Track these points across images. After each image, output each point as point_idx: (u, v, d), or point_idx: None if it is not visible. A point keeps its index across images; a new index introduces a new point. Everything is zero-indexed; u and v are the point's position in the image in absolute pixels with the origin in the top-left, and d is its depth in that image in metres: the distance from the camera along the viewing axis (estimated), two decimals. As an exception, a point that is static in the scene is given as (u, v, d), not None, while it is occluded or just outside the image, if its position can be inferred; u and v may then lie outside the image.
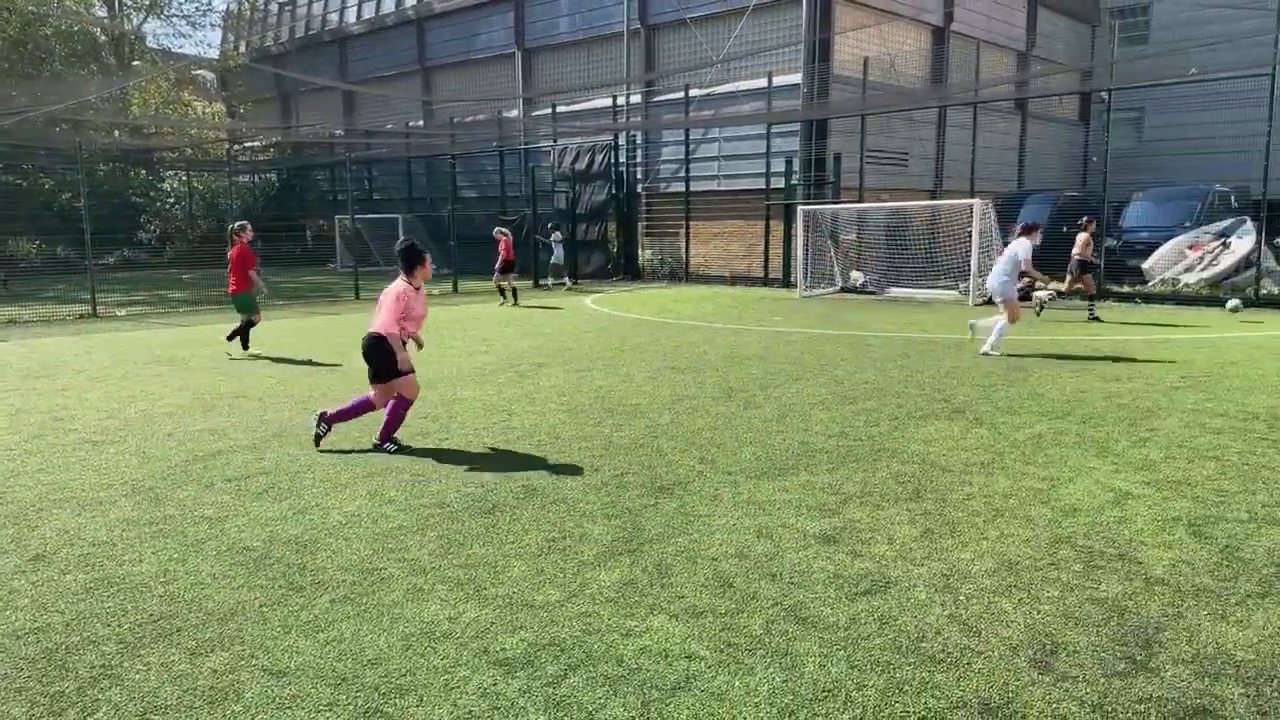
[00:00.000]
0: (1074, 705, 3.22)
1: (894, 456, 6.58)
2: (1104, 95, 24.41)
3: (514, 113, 32.91)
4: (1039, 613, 3.97)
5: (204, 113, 44.52)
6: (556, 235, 25.84)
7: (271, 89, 42.80)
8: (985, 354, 11.39)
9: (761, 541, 4.88)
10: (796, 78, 24.78)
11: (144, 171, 39.19)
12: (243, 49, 43.32)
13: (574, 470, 6.32)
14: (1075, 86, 32.50)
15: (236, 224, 12.42)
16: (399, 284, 7.03)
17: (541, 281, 25.83)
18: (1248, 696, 3.26)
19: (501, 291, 20.63)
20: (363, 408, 7.16)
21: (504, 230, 20.93)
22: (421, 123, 36.47)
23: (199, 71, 45.05)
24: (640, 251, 28.81)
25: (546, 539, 4.96)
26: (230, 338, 12.50)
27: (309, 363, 11.64)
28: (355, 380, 10.02)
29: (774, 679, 3.43)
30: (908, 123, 26.55)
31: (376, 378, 7.03)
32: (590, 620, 3.95)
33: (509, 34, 32.48)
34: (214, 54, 46.43)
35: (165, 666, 3.61)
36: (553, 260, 25.76)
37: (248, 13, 45.36)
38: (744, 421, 7.81)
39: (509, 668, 3.55)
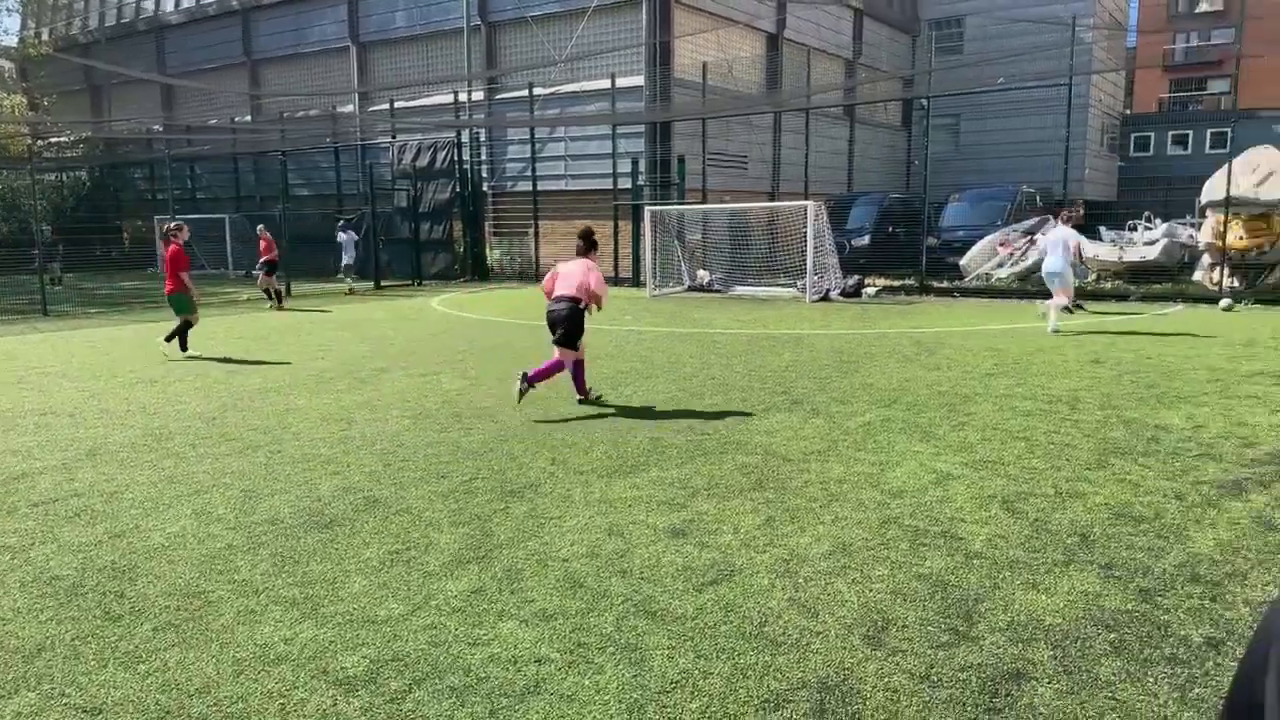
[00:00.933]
0: (904, 678, 3.41)
1: (739, 449, 6.77)
2: (924, 102, 26.02)
3: (349, 108, 31.78)
4: (871, 591, 4.18)
5: (2, 105, 40.55)
6: (348, 235, 23.68)
7: (80, 80, 39.52)
8: (1055, 331, 13.11)
9: (612, 539, 4.91)
10: (639, 80, 25.12)
11: (-72, 168, 35.37)
12: (45, 37, 39.76)
13: (419, 478, 6.16)
14: (898, 94, 34.47)
15: (172, 225, 12.54)
16: (588, 260, 8.37)
17: (350, 283, 23.70)
18: (1055, 658, 3.54)
19: (268, 294, 19.40)
20: (555, 368, 8.33)
21: (265, 228, 19.85)
22: (249, 118, 34.61)
23: (-8, 60, 41.05)
24: (488, 251, 28.44)
25: (389, 551, 4.81)
26: (169, 339, 12.20)
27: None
28: (176, 394, 9.42)
29: (623, 675, 3.46)
30: (746, 127, 27.42)
31: (563, 341, 8.22)
32: (436, 632, 3.86)
33: (342, 27, 31.33)
34: (12, 42, 42.42)
35: (-43, 715, 3.26)
36: (344, 262, 23.72)
37: (49, -2, 41.71)
38: (595, 421, 7.84)
39: (349, 687, 3.41)
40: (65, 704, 3.31)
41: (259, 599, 4.22)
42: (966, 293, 20.04)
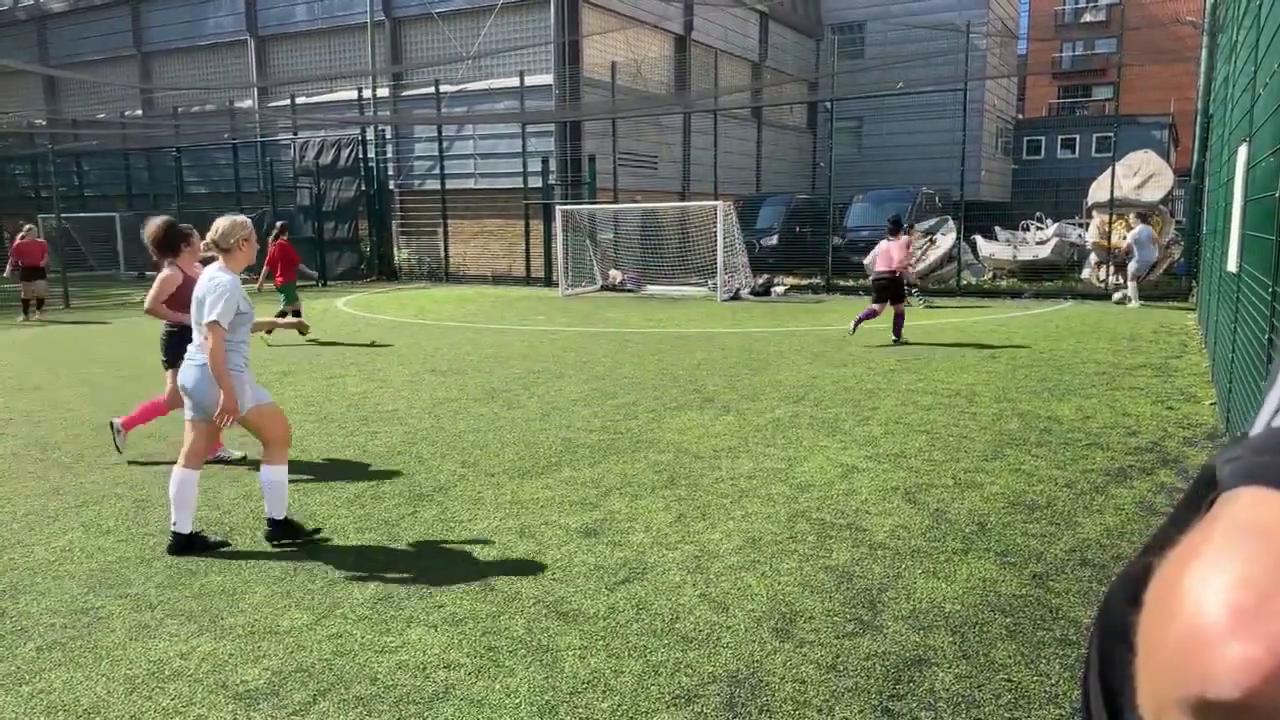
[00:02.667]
0: (811, 668, 3.48)
1: (651, 447, 6.81)
2: (828, 105, 26.64)
3: (248, 103, 30.72)
4: (779, 584, 4.26)
5: None
6: None
7: (-50, 69, 37.14)
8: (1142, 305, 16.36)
9: (524, 541, 4.88)
10: (549, 79, 24.99)
11: None
12: (-90, 21, 37.22)
13: (323, 485, 6.00)
14: (803, 96, 35.20)
15: (280, 224, 14.11)
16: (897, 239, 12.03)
17: None
18: (955, 644, 3.67)
19: (25, 306, 16.90)
20: (870, 316, 12.09)
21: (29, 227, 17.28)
22: (140, 112, 33.09)
23: None
24: (396, 251, 27.87)
25: (292, 560, 4.66)
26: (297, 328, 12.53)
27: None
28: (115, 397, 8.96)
29: (534, 678, 3.43)
30: (656, 127, 27.59)
31: (884, 299, 11.99)
32: (341, 641, 3.76)
33: (239, 19, 30.25)
34: None
35: None
36: None
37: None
38: (507, 421, 7.77)
39: (250, 700, 3.30)
40: (-63, 733, 3.11)
41: (154, 613, 4.04)
42: (870, 291, 20.55)
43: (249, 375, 4.81)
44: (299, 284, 14.17)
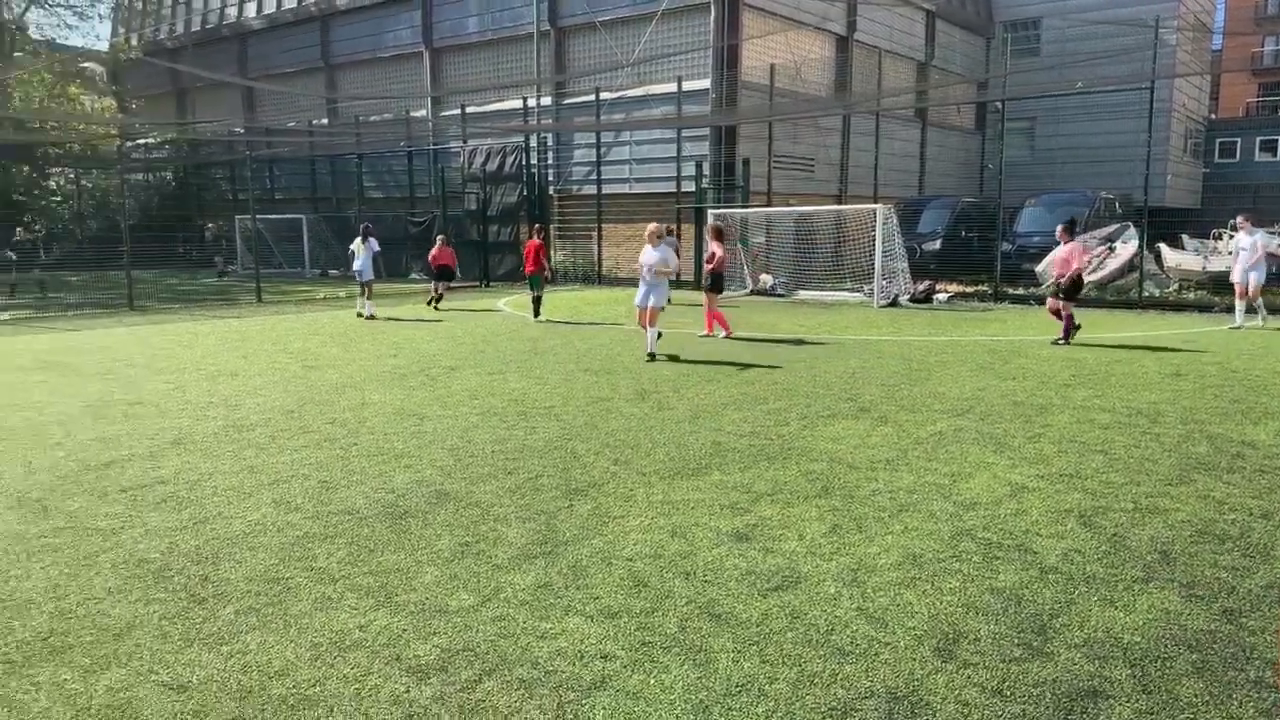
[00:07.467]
0: (975, 691, 3.35)
1: (804, 455, 6.72)
2: (998, 105, 25.49)
3: (422, 112, 32.40)
4: (942, 603, 4.12)
5: (93, 107, 42.33)
6: (369, 244, 17.99)
7: (167, 84, 41.09)
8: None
9: (675, 541, 4.93)
10: (706, 83, 25.10)
11: (27, 168, 37.06)
12: (134, 42, 41.41)
13: (488, 474, 6.26)
14: (972, 96, 33.83)
15: (536, 225, 18.73)
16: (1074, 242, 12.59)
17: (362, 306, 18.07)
18: (1134, 677, 3.45)
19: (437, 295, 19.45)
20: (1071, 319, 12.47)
21: (445, 238, 20.45)
22: (326, 121, 35.54)
23: (87, 65, 42.84)
24: (552, 253, 28.70)
25: (459, 543, 4.90)
26: (535, 314, 16.80)
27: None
28: (282, 386, 9.73)
29: (688, 676, 3.47)
30: (814, 129, 27.20)
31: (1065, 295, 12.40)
32: (505, 624, 3.92)
33: (416, 32, 31.99)
34: (103, 47, 44.26)
35: (56, 685, 3.43)
36: (357, 271, 18.01)
37: (139, 4, 43.41)
38: (657, 422, 7.87)
39: (422, 674, 3.50)
40: (154, 681, 3.46)
41: (335, 587, 4.34)
42: (1043, 300, 19.52)
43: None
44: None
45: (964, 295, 20.49)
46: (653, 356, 11.46)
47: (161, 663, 3.60)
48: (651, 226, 11.86)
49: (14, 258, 24.90)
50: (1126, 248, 19.92)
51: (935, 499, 5.64)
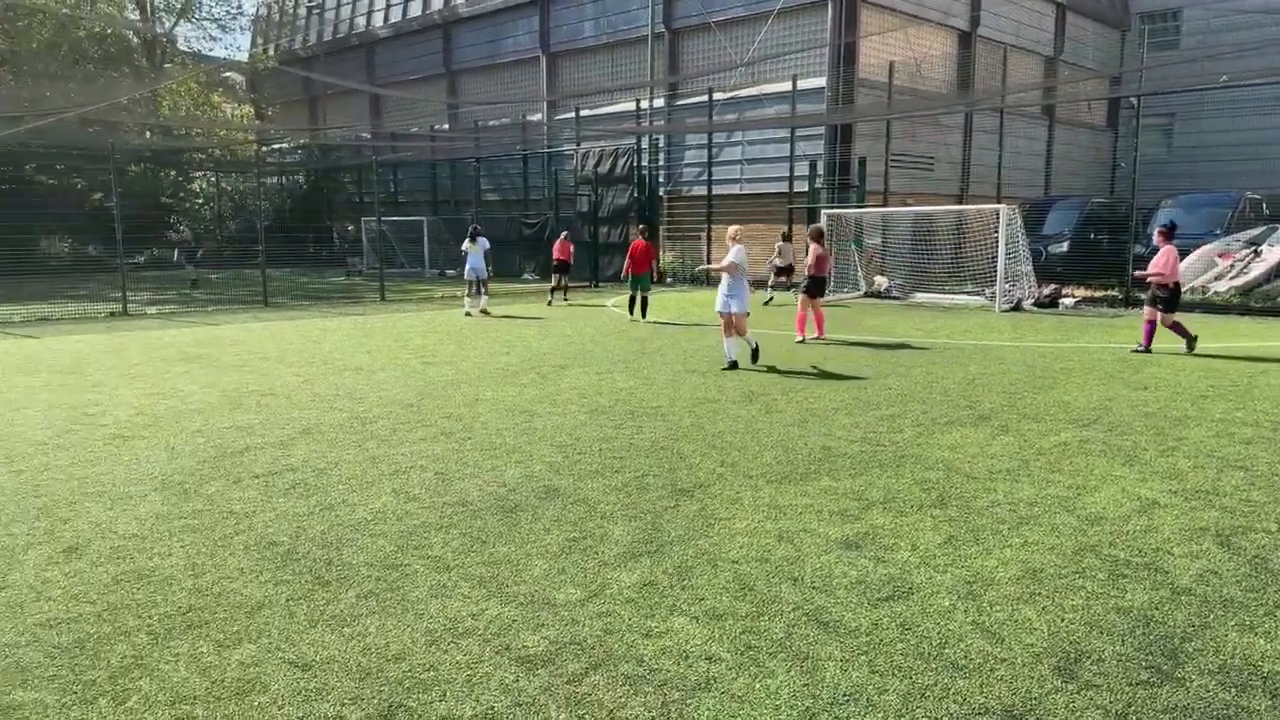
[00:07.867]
0: (1097, 713, 3.20)
1: (918, 463, 6.55)
2: (1133, 101, 24.20)
3: (537, 116, 33.07)
4: (1063, 620, 3.94)
5: (233, 115, 45.01)
6: (480, 243, 18.54)
7: (299, 92, 43.27)
8: None
9: (783, 545, 4.88)
10: (821, 81, 24.74)
11: (173, 172, 39.69)
12: (271, 52, 43.80)
13: (595, 471, 6.35)
14: (1104, 92, 32.22)
15: (642, 226, 18.60)
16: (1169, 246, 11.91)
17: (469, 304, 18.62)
18: (1276, 709, 3.22)
19: (557, 290, 21.48)
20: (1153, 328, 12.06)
21: (567, 235, 22.19)
22: (447, 126, 36.71)
23: (228, 74, 45.59)
24: (661, 254, 28.84)
25: (567, 539, 4.98)
26: (641, 313, 16.88)
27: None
28: (383, 382, 10.13)
29: (795, 682, 3.43)
30: (933, 127, 26.43)
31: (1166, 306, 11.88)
32: (611, 620, 3.97)
33: (534, 38, 32.67)
34: (243, 57, 46.99)
35: (194, 658, 3.67)
36: (470, 271, 18.46)
37: (276, 16, 45.87)
38: (765, 425, 7.81)
39: (530, 665, 3.58)
40: (280, 658, 3.65)
41: (450, 575, 4.49)
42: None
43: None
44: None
45: (1092, 300, 19.53)
46: (734, 365, 10.93)
47: (288, 641, 3.80)
48: (732, 229, 11.57)
49: (188, 264, 26.93)
50: (1273, 251, 18.60)
51: (1058, 512, 5.41)
